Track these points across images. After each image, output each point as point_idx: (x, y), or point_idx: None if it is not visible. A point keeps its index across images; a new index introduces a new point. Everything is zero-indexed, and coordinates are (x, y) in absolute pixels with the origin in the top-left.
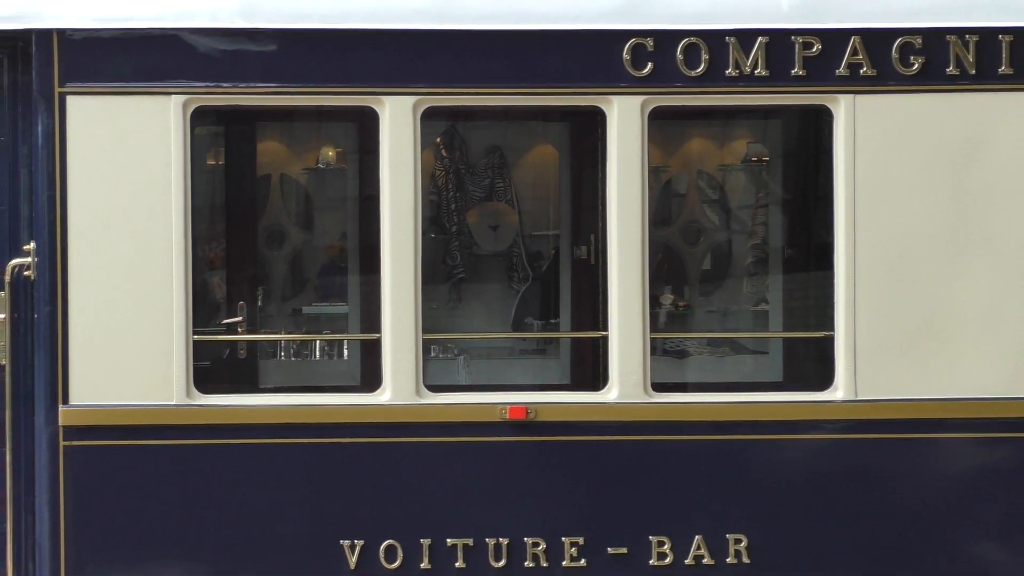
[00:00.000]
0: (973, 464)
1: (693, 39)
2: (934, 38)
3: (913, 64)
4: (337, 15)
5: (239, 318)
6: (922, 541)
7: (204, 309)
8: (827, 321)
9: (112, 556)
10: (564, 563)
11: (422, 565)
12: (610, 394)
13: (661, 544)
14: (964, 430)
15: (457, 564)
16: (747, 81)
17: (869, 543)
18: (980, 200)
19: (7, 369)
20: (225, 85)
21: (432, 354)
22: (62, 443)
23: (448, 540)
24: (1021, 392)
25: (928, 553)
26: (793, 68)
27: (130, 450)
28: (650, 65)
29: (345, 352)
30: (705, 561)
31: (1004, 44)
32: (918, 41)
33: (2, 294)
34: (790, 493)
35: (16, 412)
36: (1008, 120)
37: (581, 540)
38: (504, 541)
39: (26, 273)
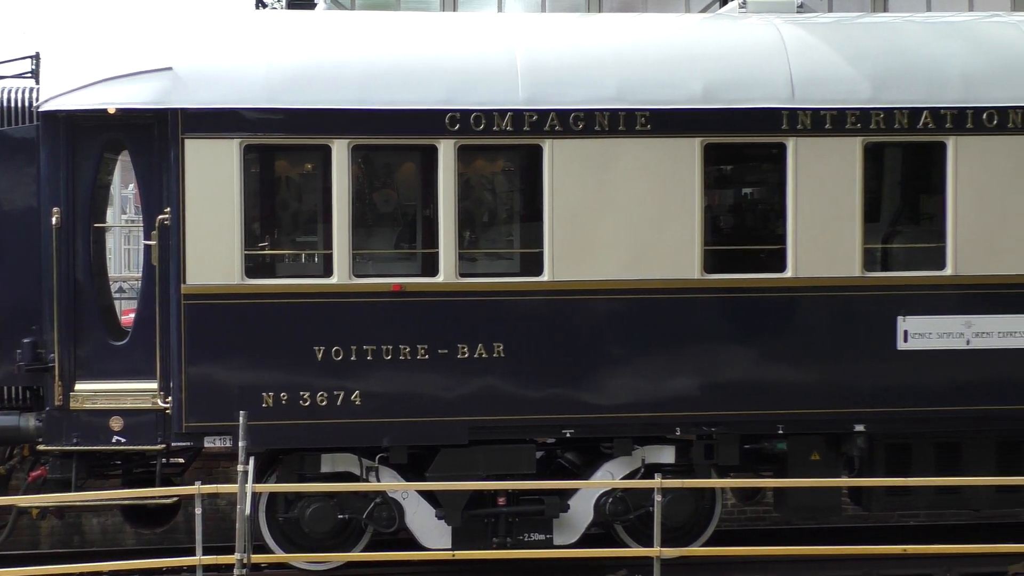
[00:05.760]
0: (607, 310)
1: (477, 113)
2: (587, 113)
3: (579, 125)
4: (312, 101)
5: (266, 243)
6: (585, 348)
7: (250, 240)
8: (537, 244)
9: (206, 354)
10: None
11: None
12: (439, 278)
13: (463, 347)
14: (603, 294)
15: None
16: (504, 133)
17: (561, 349)
18: (610, 187)
19: (157, 268)
20: (260, 134)
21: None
22: (183, 302)
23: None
24: (627, 276)
25: (586, 351)
26: (524, 127)
27: (215, 305)
28: (458, 125)
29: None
30: (484, 356)
31: (620, 116)
32: (581, 115)
33: (155, 232)
34: (523, 324)
35: (162, 287)
36: (620, 151)
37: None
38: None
39: (165, 222)
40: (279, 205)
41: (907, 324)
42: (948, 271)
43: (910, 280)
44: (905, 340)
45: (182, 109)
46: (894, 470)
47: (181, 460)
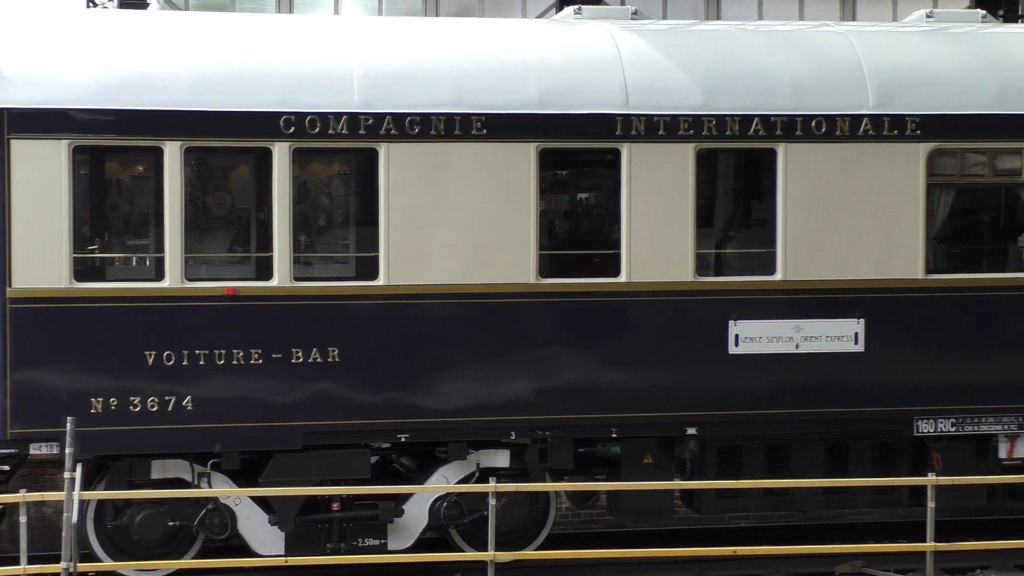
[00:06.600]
0: (442, 314)
1: (312, 116)
2: (423, 117)
3: (415, 129)
4: (143, 102)
5: (96, 246)
6: (420, 352)
7: (79, 243)
8: (373, 248)
9: (32, 359)
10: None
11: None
12: (273, 282)
13: (297, 352)
14: (438, 299)
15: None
16: (339, 136)
17: (397, 353)
18: (446, 191)
19: None
20: (89, 135)
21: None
22: (9, 306)
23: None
24: (463, 281)
25: (422, 356)
26: (360, 130)
27: (42, 309)
28: (293, 128)
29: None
30: (319, 360)
31: (456, 120)
32: (417, 119)
33: None
34: (358, 329)
35: None
36: (456, 155)
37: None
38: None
39: None
40: (110, 207)
41: (738, 328)
42: (778, 276)
43: (741, 285)
44: (736, 344)
45: (7, 109)
46: (725, 473)
47: (6, 468)
